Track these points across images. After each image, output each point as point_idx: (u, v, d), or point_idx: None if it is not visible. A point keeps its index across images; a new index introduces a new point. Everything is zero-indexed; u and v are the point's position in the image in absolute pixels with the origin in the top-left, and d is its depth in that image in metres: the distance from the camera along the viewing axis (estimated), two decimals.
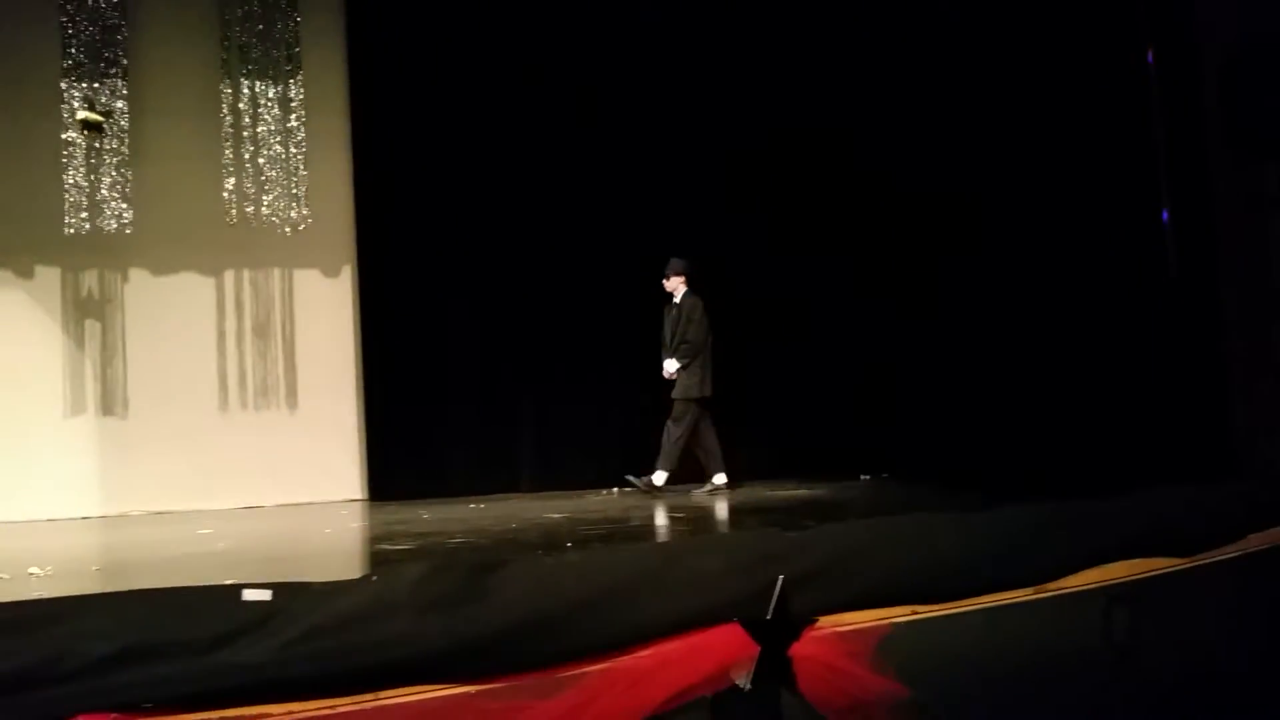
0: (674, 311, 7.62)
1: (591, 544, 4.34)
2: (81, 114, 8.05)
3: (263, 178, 8.28)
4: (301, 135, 8.33)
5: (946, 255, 8.02)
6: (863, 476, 8.01)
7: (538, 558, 3.67)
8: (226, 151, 8.26)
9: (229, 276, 8.67)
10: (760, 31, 8.76)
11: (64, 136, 8.05)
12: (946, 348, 7.96)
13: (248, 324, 8.69)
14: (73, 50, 8.08)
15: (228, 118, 8.30)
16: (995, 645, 3.38)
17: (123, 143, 8.14)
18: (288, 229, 8.29)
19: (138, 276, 8.51)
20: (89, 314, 8.49)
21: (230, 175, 8.26)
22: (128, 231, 8.13)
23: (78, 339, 8.45)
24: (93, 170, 8.07)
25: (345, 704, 2.65)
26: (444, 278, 8.57)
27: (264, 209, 8.27)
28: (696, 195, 8.65)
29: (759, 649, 3.07)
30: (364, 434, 8.59)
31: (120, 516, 8.02)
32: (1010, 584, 3.54)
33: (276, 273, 8.71)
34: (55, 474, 8.19)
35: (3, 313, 8.25)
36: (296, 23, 8.44)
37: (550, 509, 6.50)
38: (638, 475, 7.53)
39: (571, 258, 8.57)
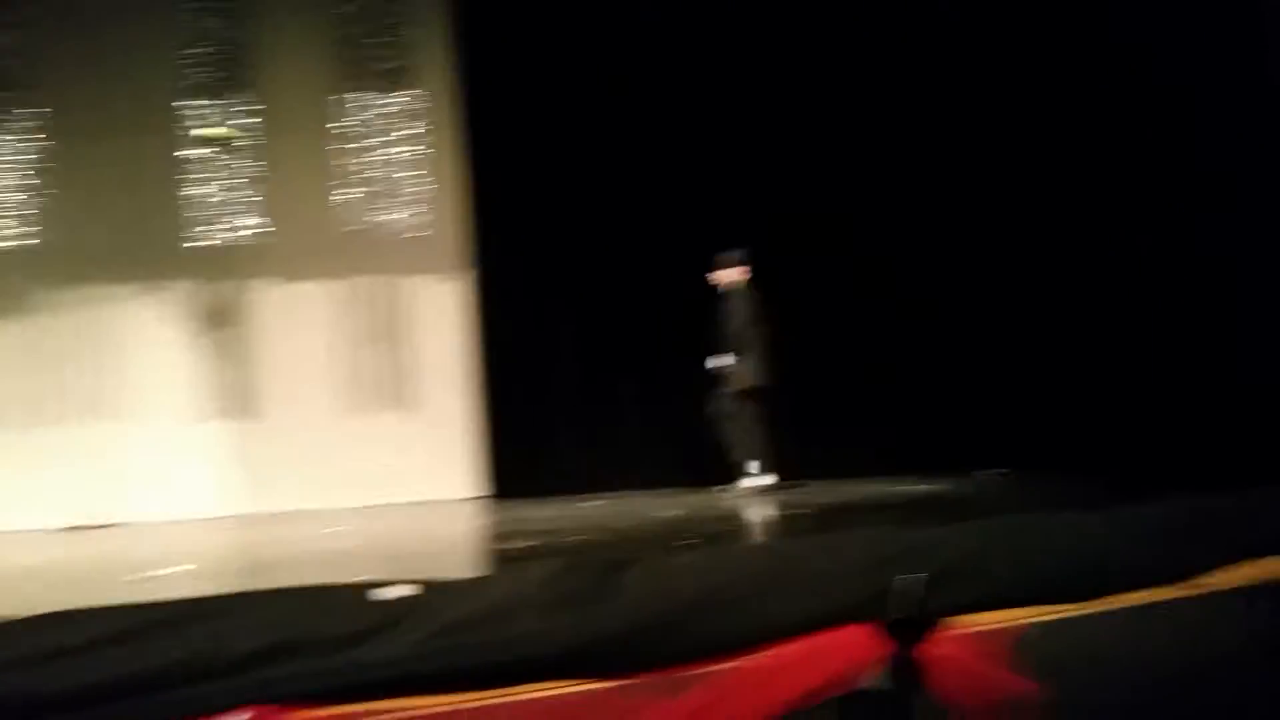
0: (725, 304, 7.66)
1: (714, 541, 4.33)
2: (206, 129, 8.38)
3: (381, 185, 8.48)
4: (418, 142, 8.52)
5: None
6: (978, 472, 7.79)
7: (665, 556, 3.66)
8: (346, 161, 8.49)
9: (346, 283, 8.93)
10: None
11: (190, 152, 8.40)
12: (1063, 336, 7.69)
13: (365, 328, 8.94)
14: (199, 69, 8.41)
15: (346, 128, 8.53)
16: (1139, 645, 3.24)
17: (246, 156, 8.45)
18: (406, 234, 8.48)
19: (263, 285, 8.85)
20: (219, 322, 8.85)
21: (349, 184, 8.48)
22: (252, 242, 8.42)
23: (208, 346, 8.81)
24: (218, 184, 8.39)
25: (479, 698, 2.69)
26: (559, 276, 8.67)
27: (382, 216, 8.47)
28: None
29: (890, 649, 3.00)
30: (483, 433, 8.76)
31: (250, 516, 8.33)
32: (1155, 581, 3.39)
33: (395, 278, 8.95)
34: (190, 475, 8.60)
35: (138, 323, 8.69)
36: (411, 33, 8.65)
37: (669, 505, 6.50)
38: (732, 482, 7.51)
39: (684, 252, 8.55)
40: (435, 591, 2.77)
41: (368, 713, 2.67)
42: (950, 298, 8.50)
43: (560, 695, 2.80)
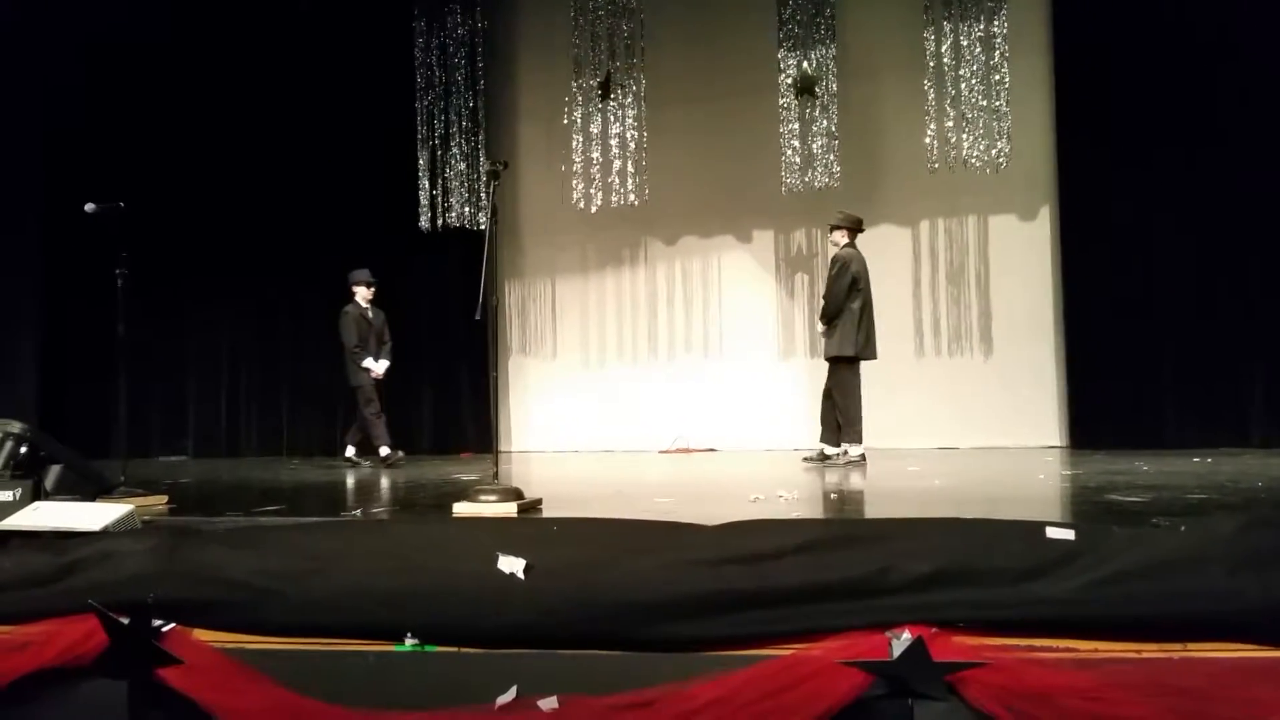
0: None
1: None
2: (797, 81, 8.73)
3: (964, 120, 8.27)
4: (1003, 73, 8.15)
5: None
6: None
7: None
8: (929, 98, 8.39)
9: (924, 226, 8.96)
10: None
11: (780, 105, 8.83)
12: None
13: (942, 272, 8.91)
14: (788, 25, 8.80)
15: (930, 64, 8.41)
16: None
17: (832, 104, 8.70)
18: (988, 169, 8.22)
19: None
20: (798, 268, 9.36)
21: (932, 122, 8.39)
22: (835, 187, 8.69)
23: (789, 290, 9.37)
24: (808, 133, 8.73)
25: (1153, 650, 2.56)
26: (1155, 216, 7.92)
27: (964, 152, 8.26)
28: None
29: None
30: (1064, 380, 8.35)
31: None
32: None
33: (971, 219, 8.81)
34: (771, 410, 9.23)
35: (730, 269, 9.47)
36: None
37: None
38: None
39: None
40: (1106, 536, 2.67)
41: (1029, 648, 2.68)
42: None
43: (1246, 659, 2.58)
